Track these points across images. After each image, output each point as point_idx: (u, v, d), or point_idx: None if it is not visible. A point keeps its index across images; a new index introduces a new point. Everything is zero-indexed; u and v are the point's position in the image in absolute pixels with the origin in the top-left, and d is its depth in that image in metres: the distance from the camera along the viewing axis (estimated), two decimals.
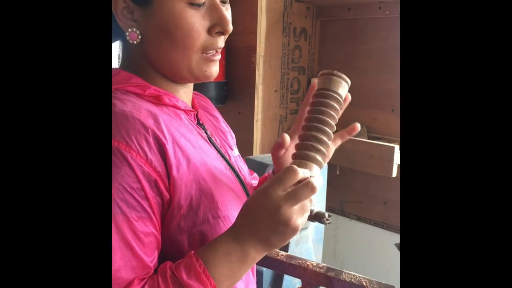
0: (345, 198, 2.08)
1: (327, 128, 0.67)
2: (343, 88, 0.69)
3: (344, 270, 0.90)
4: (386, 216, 1.98)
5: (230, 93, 2.00)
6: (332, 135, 0.69)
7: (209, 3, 0.66)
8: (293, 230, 0.59)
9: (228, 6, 0.71)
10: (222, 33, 0.68)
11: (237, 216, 0.63)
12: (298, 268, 0.94)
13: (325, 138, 0.67)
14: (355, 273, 0.89)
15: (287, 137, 0.72)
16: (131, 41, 0.68)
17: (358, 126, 0.75)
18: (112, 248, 0.56)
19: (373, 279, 0.88)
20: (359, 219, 2.08)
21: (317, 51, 2.14)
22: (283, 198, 0.58)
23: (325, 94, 0.68)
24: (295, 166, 0.60)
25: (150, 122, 0.62)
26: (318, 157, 0.66)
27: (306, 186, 0.58)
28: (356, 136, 1.91)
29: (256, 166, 1.59)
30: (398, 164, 1.74)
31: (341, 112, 0.71)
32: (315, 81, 0.73)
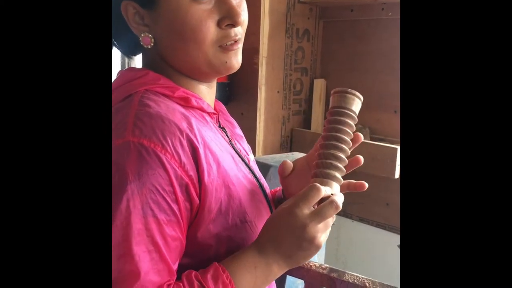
0: (348, 199, 2.07)
1: (343, 146, 0.69)
2: (356, 105, 0.71)
3: (347, 271, 0.91)
4: (388, 218, 1.98)
5: (233, 94, 2.00)
6: (349, 152, 0.70)
7: None
8: (317, 247, 0.62)
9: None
10: (232, 25, 0.67)
11: (261, 231, 0.64)
12: (300, 269, 0.94)
13: (342, 156, 0.69)
14: (357, 274, 0.89)
15: (288, 164, 0.74)
16: (145, 46, 0.68)
17: (365, 185, 0.77)
18: (142, 250, 0.56)
19: (376, 280, 0.88)
20: (362, 220, 2.08)
21: (320, 52, 2.14)
22: (309, 217, 0.60)
23: (339, 112, 0.70)
24: (318, 184, 0.62)
25: (184, 125, 0.62)
26: (337, 175, 0.68)
27: (330, 205, 0.61)
28: None
29: (259, 167, 1.59)
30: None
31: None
32: None
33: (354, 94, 0.71)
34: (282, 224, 0.62)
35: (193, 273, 0.61)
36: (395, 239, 1.94)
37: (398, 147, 1.72)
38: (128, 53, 0.78)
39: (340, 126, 0.70)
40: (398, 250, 1.68)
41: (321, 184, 0.64)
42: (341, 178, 0.69)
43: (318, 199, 0.61)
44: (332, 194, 0.64)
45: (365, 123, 1.98)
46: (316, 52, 2.13)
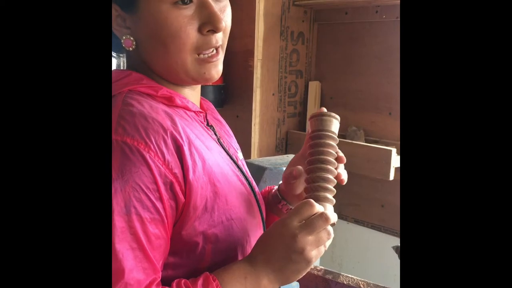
0: (343, 201, 2.09)
1: (329, 166, 0.70)
2: (335, 125, 0.74)
3: (342, 273, 0.91)
4: (383, 219, 1.99)
5: (228, 96, 2.00)
6: (336, 171, 0.71)
7: (198, 0, 0.65)
8: (307, 261, 0.61)
9: (225, 1, 0.69)
10: (214, 31, 0.66)
11: (255, 243, 0.65)
12: None
13: (330, 177, 0.70)
14: (352, 276, 0.90)
15: (300, 169, 0.74)
16: (127, 48, 0.68)
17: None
18: (125, 247, 0.56)
19: (371, 282, 0.88)
20: (357, 222, 2.09)
21: (315, 55, 2.15)
22: (298, 227, 0.61)
23: (320, 135, 0.72)
24: (312, 200, 0.63)
25: (168, 123, 0.62)
26: (329, 196, 0.69)
27: (320, 217, 0.61)
28: (353, 139, 1.92)
29: (254, 170, 1.59)
30: (395, 167, 1.75)
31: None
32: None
33: (331, 116, 0.73)
34: (273, 235, 0.63)
35: (182, 280, 0.61)
36: (390, 240, 1.95)
37: (393, 149, 1.73)
38: (114, 49, 0.77)
39: (323, 149, 0.71)
40: (393, 251, 1.69)
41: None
42: (333, 199, 0.70)
43: (311, 214, 0.62)
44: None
45: (360, 125, 1.99)
46: (311, 55, 2.14)
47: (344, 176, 0.74)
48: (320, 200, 0.68)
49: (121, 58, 0.81)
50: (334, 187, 0.70)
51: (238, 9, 1.88)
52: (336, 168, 0.71)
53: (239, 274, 0.62)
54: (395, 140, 1.88)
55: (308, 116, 2.10)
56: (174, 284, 0.61)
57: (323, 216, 0.61)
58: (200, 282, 0.61)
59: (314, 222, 0.61)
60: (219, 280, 0.61)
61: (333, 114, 0.73)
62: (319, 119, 0.73)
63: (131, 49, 0.68)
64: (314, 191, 0.69)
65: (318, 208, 0.63)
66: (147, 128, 0.60)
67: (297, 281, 0.96)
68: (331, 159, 0.71)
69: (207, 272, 0.62)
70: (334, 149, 0.72)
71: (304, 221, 0.62)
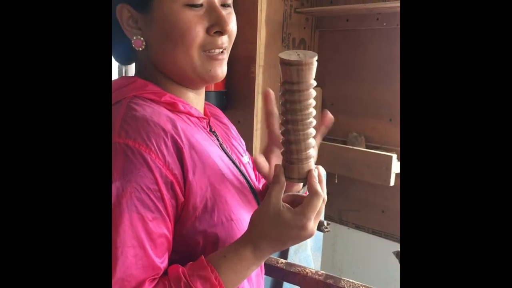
0: (344, 207, 2.09)
1: (312, 119, 0.67)
2: (313, 71, 0.66)
3: (343, 278, 0.92)
4: (384, 225, 1.99)
5: (230, 102, 2.01)
6: (315, 121, 0.68)
7: (208, 4, 0.69)
8: (310, 236, 0.66)
9: (230, 9, 0.73)
10: (221, 32, 0.70)
11: (255, 227, 0.65)
12: (297, 276, 0.95)
13: (312, 132, 0.67)
14: (353, 281, 0.91)
15: (262, 163, 0.74)
16: (136, 48, 0.71)
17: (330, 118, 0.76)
18: (125, 245, 0.58)
19: (371, 287, 0.89)
20: (357, 227, 2.09)
21: None
22: (310, 219, 0.64)
23: (295, 90, 0.65)
24: (319, 191, 0.63)
25: (169, 127, 0.65)
26: (313, 153, 0.68)
27: (320, 200, 0.64)
28: (354, 145, 1.93)
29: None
30: (396, 173, 1.75)
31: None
32: (268, 92, 0.72)
33: (309, 64, 0.64)
34: (286, 226, 0.64)
35: (180, 268, 0.63)
36: (391, 246, 1.95)
37: (393, 155, 1.74)
38: (123, 60, 0.81)
39: (297, 106, 0.66)
40: (394, 256, 1.69)
41: (302, 170, 0.65)
42: (315, 153, 0.69)
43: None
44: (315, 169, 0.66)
45: (361, 131, 2.00)
46: None
47: (329, 118, 0.75)
48: (308, 160, 0.66)
49: (123, 68, 0.83)
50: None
51: (240, 16, 1.89)
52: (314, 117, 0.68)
53: (243, 265, 0.65)
54: (396, 146, 1.89)
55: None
56: (170, 274, 0.62)
57: (321, 198, 0.64)
58: (197, 274, 0.62)
59: (318, 208, 0.64)
60: (217, 269, 0.63)
61: (312, 53, 0.65)
62: (300, 69, 0.63)
63: (140, 49, 0.71)
64: (304, 150, 0.65)
65: (322, 193, 0.64)
66: (148, 131, 0.63)
67: (299, 285, 0.97)
68: (312, 119, 0.67)
69: (205, 260, 0.63)
70: (311, 99, 0.67)
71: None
